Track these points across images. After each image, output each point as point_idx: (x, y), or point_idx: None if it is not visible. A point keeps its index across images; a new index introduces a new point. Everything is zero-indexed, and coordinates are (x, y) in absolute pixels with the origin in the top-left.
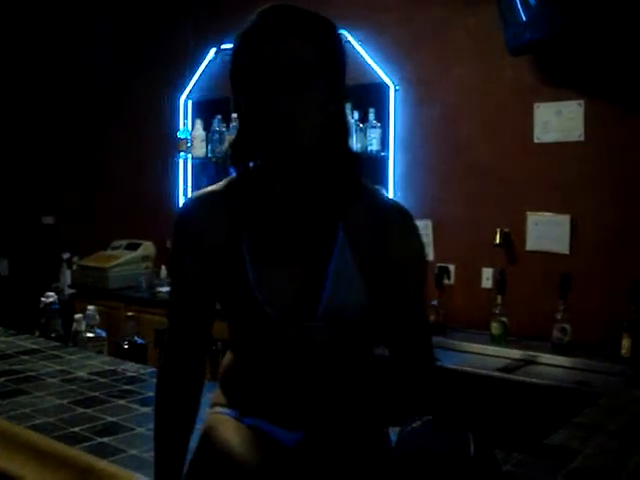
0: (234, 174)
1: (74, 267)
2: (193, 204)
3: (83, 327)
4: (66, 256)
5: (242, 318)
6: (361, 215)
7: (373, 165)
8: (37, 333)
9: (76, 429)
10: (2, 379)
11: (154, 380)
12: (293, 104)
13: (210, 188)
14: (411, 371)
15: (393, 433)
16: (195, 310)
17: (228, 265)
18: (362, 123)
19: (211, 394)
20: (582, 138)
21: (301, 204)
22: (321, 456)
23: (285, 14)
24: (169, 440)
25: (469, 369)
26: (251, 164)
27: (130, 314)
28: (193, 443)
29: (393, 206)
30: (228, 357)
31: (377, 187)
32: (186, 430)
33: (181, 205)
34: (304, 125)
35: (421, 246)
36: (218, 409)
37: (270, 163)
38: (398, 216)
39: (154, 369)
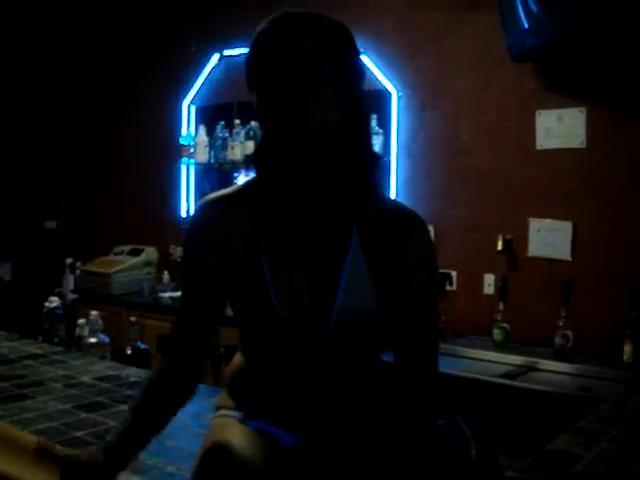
0: (239, 179)
1: (77, 272)
2: (207, 208)
3: (86, 332)
4: (69, 261)
5: (256, 321)
6: (374, 221)
7: None
8: (40, 338)
9: (80, 434)
10: (6, 384)
11: None
12: (300, 103)
13: (224, 191)
14: (411, 378)
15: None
16: (203, 316)
17: (245, 268)
18: None
19: (215, 398)
20: (584, 145)
21: (316, 209)
22: (324, 460)
23: (294, 17)
24: (139, 422)
25: (471, 375)
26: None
27: (133, 319)
28: (196, 446)
29: (406, 213)
30: (237, 361)
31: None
32: (158, 422)
33: (194, 209)
34: (313, 123)
35: (432, 254)
36: (223, 411)
37: (285, 164)
38: (411, 223)
39: None
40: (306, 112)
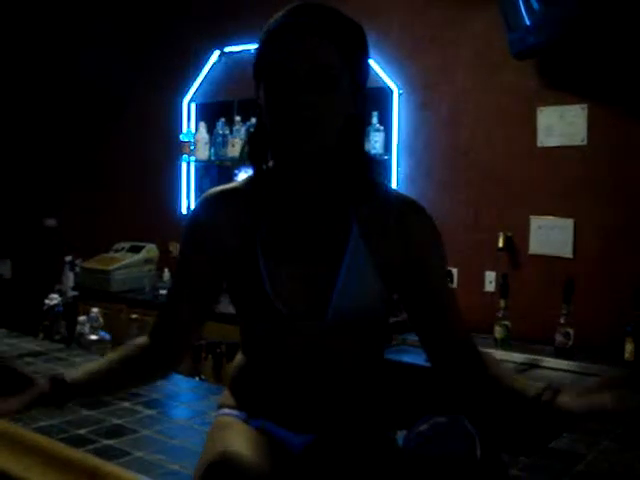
0: (239, 176)
1: (77, 269)
2: (207, 202)
3: (87, 329)
4: (69, 258)
5: (254, 315)
6: (375, 213)
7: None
8: (41, 335)
9: (81, 431)
10: None
11: (158, 383)
12: (314, 106)
13: (226, 186)
14: (457, 343)
15: (400, 436)
16: (190, 303)
17: (241, 261)
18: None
19: (218, 397)
20: (585, 142)
21: (316, 203)
22: (328, 460)
23: (310, 14)
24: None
25: None
26: (268, 162)
27: (134, 316)
28: (199, 444)
29: (406, 202)
30: (238, 359)
31: (390, 185)
32: (120, 384)
33: (197, 201)
34: (324, 127)
35: (436, 232)
36: (226, 410)
37: (287, 162)
38: (412, 211)
39: None
40: (320, 118)
